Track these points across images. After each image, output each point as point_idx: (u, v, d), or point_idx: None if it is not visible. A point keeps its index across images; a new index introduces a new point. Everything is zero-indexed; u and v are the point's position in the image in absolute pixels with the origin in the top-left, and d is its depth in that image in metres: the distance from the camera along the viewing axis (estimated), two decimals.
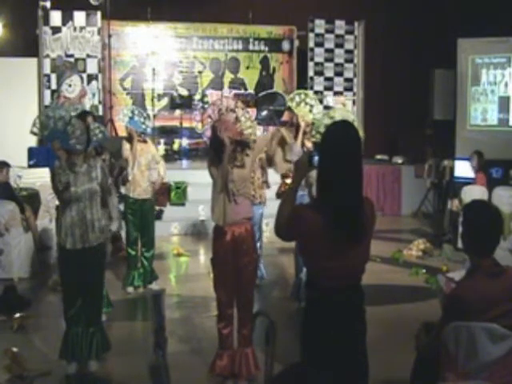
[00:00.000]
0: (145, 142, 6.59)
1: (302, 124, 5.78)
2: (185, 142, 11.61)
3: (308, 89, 12.21)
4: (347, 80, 12.58)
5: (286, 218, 2.77)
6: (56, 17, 11.18)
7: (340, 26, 12.48)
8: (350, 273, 2.77)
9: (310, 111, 5.85)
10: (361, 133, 5.31)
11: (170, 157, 10.99)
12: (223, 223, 4.23)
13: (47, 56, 11.19)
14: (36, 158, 9.99)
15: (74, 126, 4.47)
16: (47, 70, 11.18)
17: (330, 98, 12.34)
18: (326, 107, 11.36)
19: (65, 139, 4.47)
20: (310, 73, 12.34)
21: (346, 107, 11.64)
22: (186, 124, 11.61)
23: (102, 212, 4.63)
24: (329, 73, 12.46)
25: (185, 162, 11.29)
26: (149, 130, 6.80)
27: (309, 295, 2.86)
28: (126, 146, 6.45)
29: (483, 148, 9.05)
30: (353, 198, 2.70)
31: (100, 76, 11.41)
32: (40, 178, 8.03)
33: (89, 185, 4.48)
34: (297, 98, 5.89)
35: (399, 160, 11.79)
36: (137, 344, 5.18)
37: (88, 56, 11.34)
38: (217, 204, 4.26)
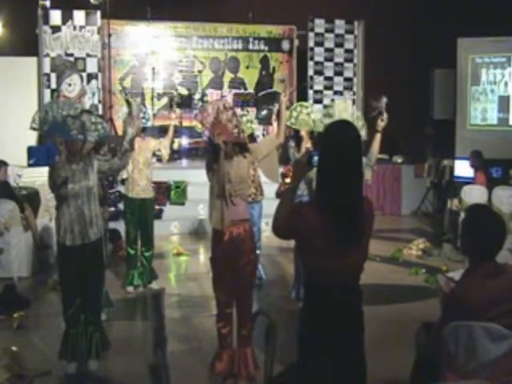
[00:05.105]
0: (144, 139, 6.58)
1: (305, 135, 5.77)
2: (184, 141, 11.59)
3: (308, 88, 12.25)
4: (347, 79, 12.57)
5: (285, 216, 2.77)
6: (56, 16, 11.16)
7: (340, 25, 12.46)
8: (348, 272, 2.77)
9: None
10: (363, 129, 5.33)
11: (170, 156, 10.95)
12: (221, 227, 4.23)
13: (47, 55, 11.17)
14: (35, 157, 9.98)
15: (73, 118, 4.54)
16: (47, 69, 11.16)
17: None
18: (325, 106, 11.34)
19: (66, 131, 4.49)
20: (310, 72, 12.32)
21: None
22: (185, 123, 11.60)
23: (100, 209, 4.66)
24: (329, 72, 12.45)
25: (184, 162, 11.28)
26: (149, 124, 6.79)
27: (307, 294, 2.86)
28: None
29: (483, 147, 9.05)
30: (352, 197, 2.70)
31: (100, 75, 11.39)
32: (40, 177, 8.03)
33: (85, 182, 4.50)
34: (294, 114, 5.84)
35: (399, 159, 11.78)
36: (137, 343, 5.17)
37: (88, 55, 11.31)
38: (215, 208, 4.25)
